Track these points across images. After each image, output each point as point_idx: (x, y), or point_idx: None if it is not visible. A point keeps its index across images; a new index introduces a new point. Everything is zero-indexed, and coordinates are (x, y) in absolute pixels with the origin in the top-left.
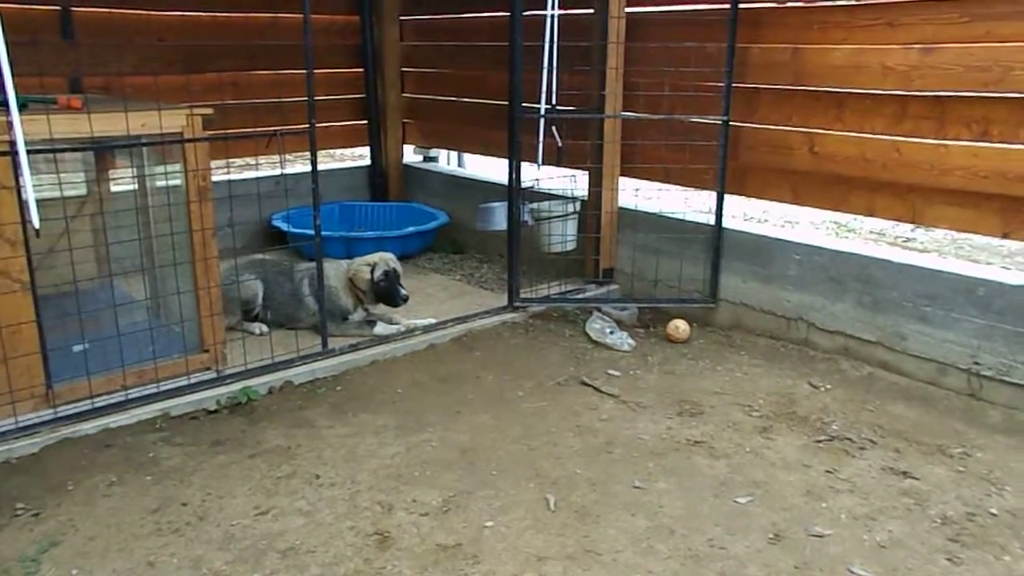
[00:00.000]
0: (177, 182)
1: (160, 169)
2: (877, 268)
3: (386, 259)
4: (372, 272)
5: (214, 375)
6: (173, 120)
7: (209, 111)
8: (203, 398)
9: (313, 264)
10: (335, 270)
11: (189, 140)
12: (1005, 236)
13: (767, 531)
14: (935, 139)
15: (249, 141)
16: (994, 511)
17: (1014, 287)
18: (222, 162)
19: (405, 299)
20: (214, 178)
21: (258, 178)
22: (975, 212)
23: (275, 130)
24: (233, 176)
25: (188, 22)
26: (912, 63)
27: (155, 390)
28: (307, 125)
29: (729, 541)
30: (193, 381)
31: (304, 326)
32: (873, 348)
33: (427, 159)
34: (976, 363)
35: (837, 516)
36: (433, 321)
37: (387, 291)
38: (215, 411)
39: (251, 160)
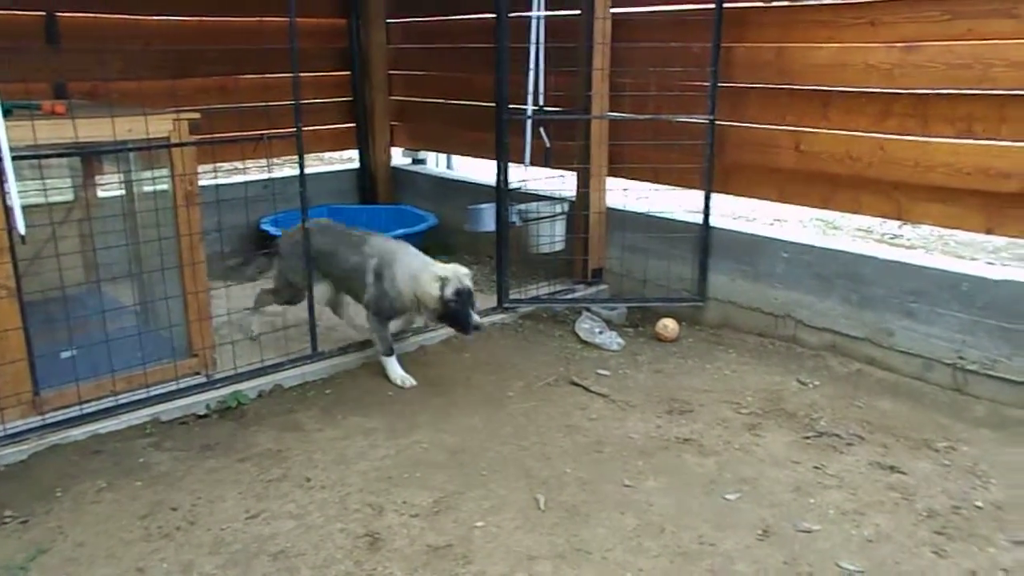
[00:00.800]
0: (164, 187)
1: (147, 174)
2: (863, 265)
3: (459, 275)
4: (442, 289)
5: (204, 380)
6: (159, 125)
7: (196, 116)
8: (193, 403)
9: (386, 247)
10: (404, 269)
11: (176, 145)
12: (988, 232)
13: (756, 527)
14: (919, 136)
15: (237, 145)
16: (979, 504)
17: (996, 282)
18: (210, 166)
19: (477, 328)
20: (202, 182)
21: (246, 182)
22: (959, 208)
23: (262, 134)
24: (221, 180)
25: (174, 27)
26: (895, 61)
27: (144, 395)
28: (294, 129)
29: (718, 538)
30: (182, 386)
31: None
32: (860, 344)
33: (415, 161)
34: (961, 358)
35: (825, 511)
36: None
37: (455, 315)
38: (205, 416)
39: (240, 164)
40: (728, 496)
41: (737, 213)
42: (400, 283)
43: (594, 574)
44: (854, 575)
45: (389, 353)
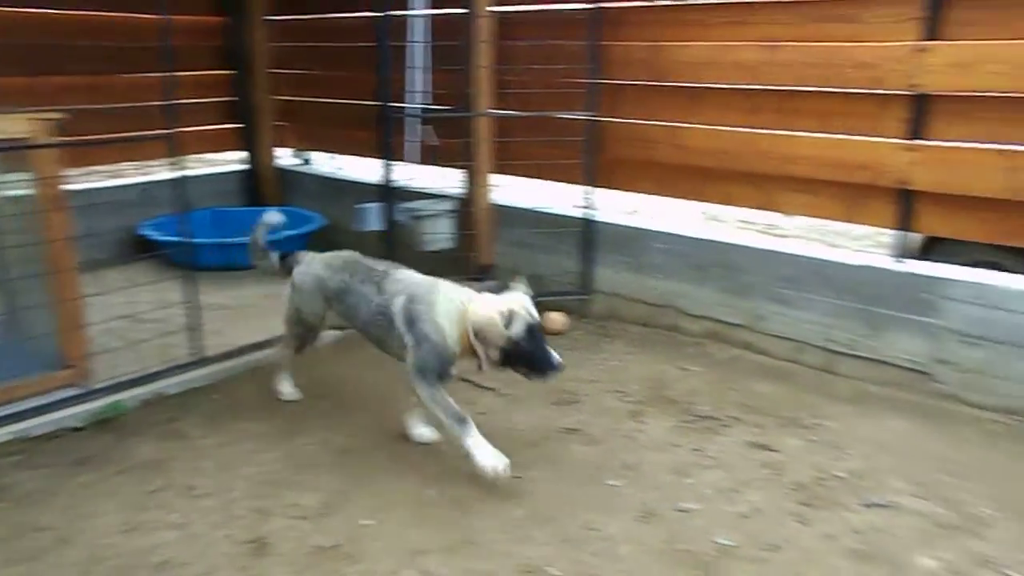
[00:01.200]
0: (27, 191)
1: (8, 177)
2: (738, 254)
3: (524, 306)
4: (508, 326)
5: (79, 391)
6: (15, 125)
7: (59, 116)
8: (66, 416)
9: (415, 280)
10: (446, 304)
11: (35, 146)
12: (848, 220)
13: (638, 510)
14: (783, 131)
15: (111, 148)
16: (839, 474)
17: (857, 267)
18: (84, 169)
19: (559, 368)
20: (75, 186)
21: (123, 185)
22: (822, 198)
23: (131, 135)
24: (96, 184)
25: (35, 20)
26: (761, 59)
27: (10, 411)
28: (168, 130)
29: (603, 523)
30: (54, 399)
31: (398, 357)
32: (738, 330)
33: (304, 162)
34: (828, 340)
35: (703, 491)
36: None
37: (529, 356)
38: (80, 429)
39: (117, 167)
40: (612, 482)
41: (629, 207)
42: (442, 320)
43: (481, 564)
44: (728, 549)
45: (464, 421)
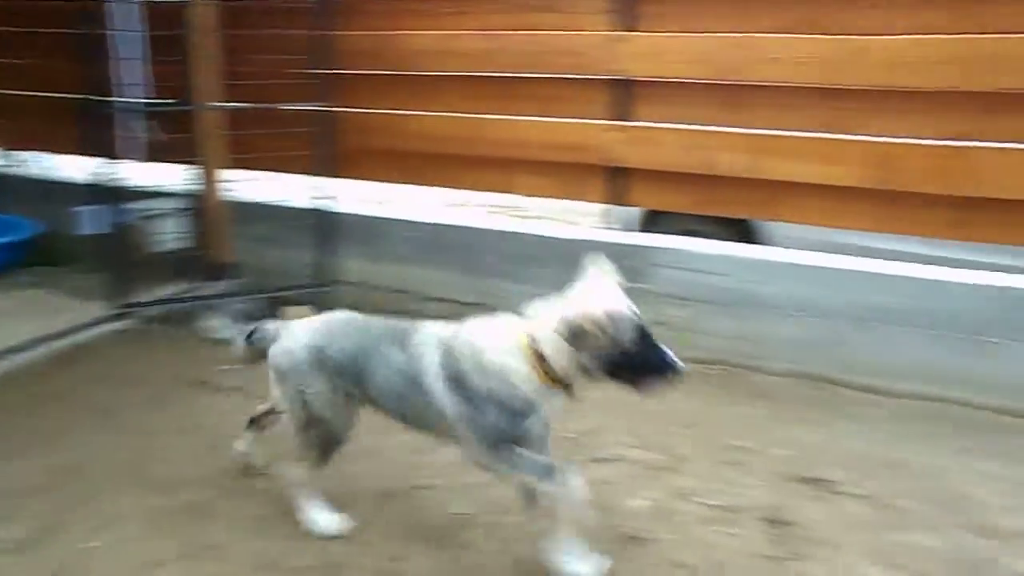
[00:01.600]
0: None
1: None
2: (472, 236)
3: (617, 298)
4: (616, 332)
5: None
6: None
7: None
8: None
9: (446, 331)
10: (496, 340)
11: None
12: (571, 198)
13: (379, 491)
14: (508, 116)
15: None
16: (570, 435)
17: (579, 241)
18: None
19: (682, 371)
20: None
21: None
22: (547, 179)
23: None
24: None
25: None
26: (483, 48)
27: None
28: None
29: (345, 507)
30: None
31: (439, 436)
32: (474, 309)
33: (13, 162)
34: None
35: (439, 468)
36: None
37: (644, 361)
38: None
39: None
40: (353, 468)
41: (378, 198)
42: (499, 357)
43: (219, 568)
44: (464, 518)
45: (549, 474)
